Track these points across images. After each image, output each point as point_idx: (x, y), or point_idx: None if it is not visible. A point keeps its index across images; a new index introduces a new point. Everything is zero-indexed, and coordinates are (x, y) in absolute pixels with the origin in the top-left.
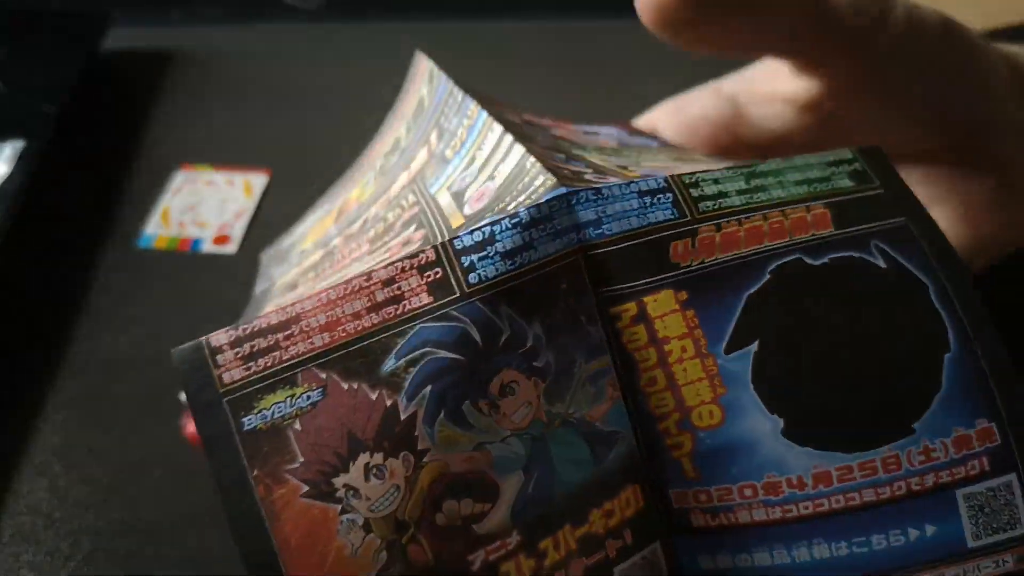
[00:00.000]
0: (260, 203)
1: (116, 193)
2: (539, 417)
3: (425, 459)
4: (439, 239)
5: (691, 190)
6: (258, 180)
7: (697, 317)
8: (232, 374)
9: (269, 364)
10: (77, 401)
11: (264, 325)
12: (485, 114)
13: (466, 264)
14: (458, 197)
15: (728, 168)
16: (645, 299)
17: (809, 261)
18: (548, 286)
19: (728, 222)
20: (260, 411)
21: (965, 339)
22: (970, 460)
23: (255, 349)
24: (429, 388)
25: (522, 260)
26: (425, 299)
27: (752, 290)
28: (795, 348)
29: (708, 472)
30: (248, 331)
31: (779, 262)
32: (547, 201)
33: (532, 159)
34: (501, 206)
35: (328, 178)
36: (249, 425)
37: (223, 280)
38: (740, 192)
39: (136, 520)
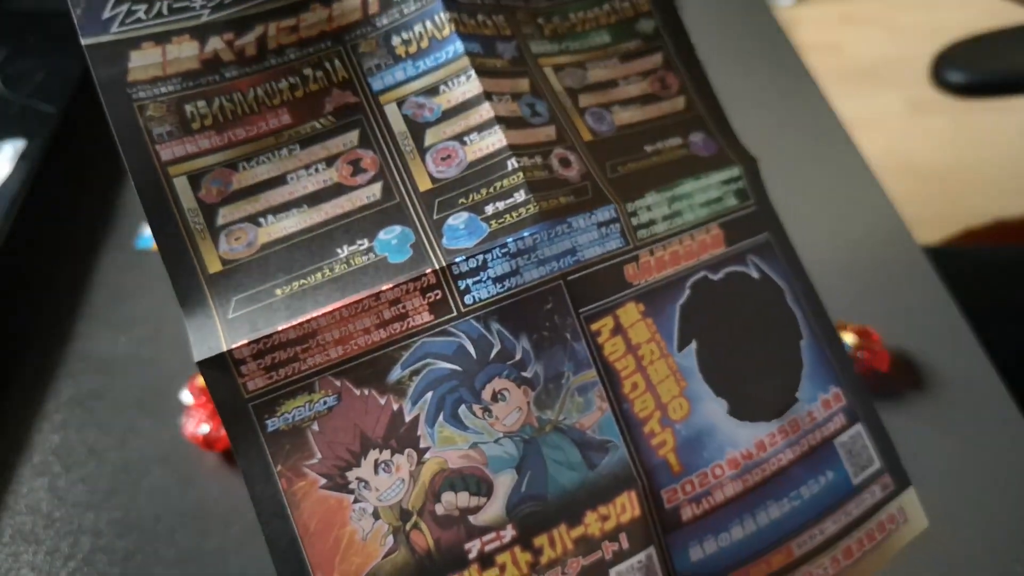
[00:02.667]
0: None
1: (116, 193)
2: (530, 422)
3: (427, 456)
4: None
5: (631, 219)
6: None
7: (655, 324)
8: (256, 382)
9: (290, 373)
10: (77, 401)
11: (283, 339)
12: (461, 47)
13: (463, 287)
14: (416, 131)
15: (656, 191)
16: (617, 312)
17: (712, 277)
18: (534, 306)
19: (656, 248)
20: (282, 414)
21: (809, 328)
22: (834, 417)
23: (276, 361)
24: (430, 394)
25: (510, 284)
26: (427, 317)
27: (681, 301)
28: (718, 344)
29: (689, 462)
30: (269, 344)
31: (693, 279)
32: (531, 234)
33: (514, 162)
34: (472, 196)
35: None
36: (272, 427)
37: None
38: (665, 218)
39: (136, 520)
